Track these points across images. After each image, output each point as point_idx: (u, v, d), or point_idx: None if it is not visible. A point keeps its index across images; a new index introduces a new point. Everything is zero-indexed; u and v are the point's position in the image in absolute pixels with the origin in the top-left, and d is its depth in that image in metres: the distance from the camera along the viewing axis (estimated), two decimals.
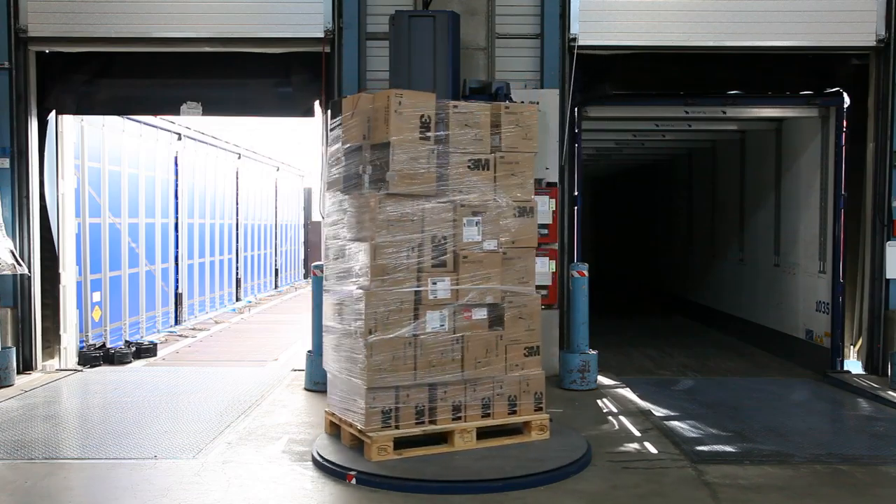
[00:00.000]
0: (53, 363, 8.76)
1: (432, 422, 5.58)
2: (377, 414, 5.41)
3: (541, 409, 5.88)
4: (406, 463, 5.27)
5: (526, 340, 5.84)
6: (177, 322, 14.00)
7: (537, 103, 7.27)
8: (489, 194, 5.75)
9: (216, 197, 16.64)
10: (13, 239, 8.30)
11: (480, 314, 5.70)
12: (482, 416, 5.69)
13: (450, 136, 5.66)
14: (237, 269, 18.32)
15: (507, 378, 5.77)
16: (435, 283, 5.56)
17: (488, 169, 5.75)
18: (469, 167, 5.71)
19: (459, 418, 5.63)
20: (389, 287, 5.47)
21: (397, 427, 5.44)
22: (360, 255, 5.57)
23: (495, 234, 5.75)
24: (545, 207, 7.92)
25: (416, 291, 5.53)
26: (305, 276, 25.22)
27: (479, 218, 5.71)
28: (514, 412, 5.80)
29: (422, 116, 5.57)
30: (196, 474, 5.19)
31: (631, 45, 8.36)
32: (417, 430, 5.50)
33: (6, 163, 8.33)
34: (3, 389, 7.63)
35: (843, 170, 8.63)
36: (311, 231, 25.96)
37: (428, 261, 5.57)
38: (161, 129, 13.31)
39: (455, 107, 5.77)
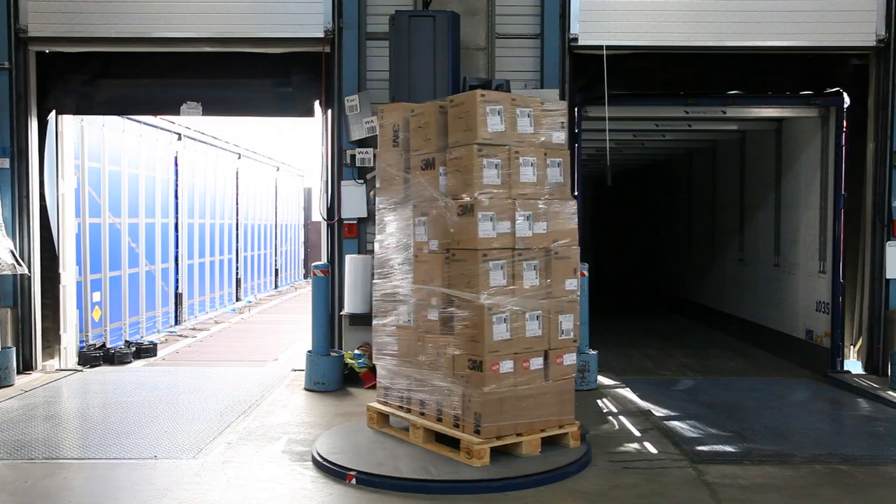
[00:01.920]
0: (53, 363, 8.77)
1: (408, 410, 5.86)
2: (382, 389, 6.18)
3: (479, 432, 5.26)
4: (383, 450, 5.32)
5: (469, 352, 5.33)
6: (177, 322, 13.99)
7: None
8: (435, 193, 5.62)
9: (216, 197, 16.63)
10: (13, 239, 8.30)
11: (433, 315, 5.63)
12: (436, 420, 5.62)
13: (410, 140, 5.88)
14: (237, 269, 18.31)
15: (455, 388, 5.44)
16: (401, 280, 5.95)
17: (434, 168, 5.62)
18: (421, 168, 5.75)
19: (423, 415, 5.72)
20: (384, 279, 6.15)
21: (387, 405, 6.09)
22: None
23: (437, 235, 5.58)
24: None
25: (394, 286, 6.03)
26: (305, 276, 25.21)
27: (425, 218, 5.70)
28: (457, 426, 5.44)
29: (393, 126, 6.03)
30: (196, 474, 5.19)
31: (631, 45, 8.36)
32: (398, 413, 5.95)
33: (6, 163, 8.33)
34: (3, 389, 7.63)
35: (843, 170, 8.64)
36: (311, 231, 25.94)
37: (402, 259, 5.96)
38: (161, 129, 13.31)
39: (412, 111, 5.89)
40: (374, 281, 6.28)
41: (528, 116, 5.57)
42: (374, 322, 6.21)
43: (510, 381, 5.35)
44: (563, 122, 5.75)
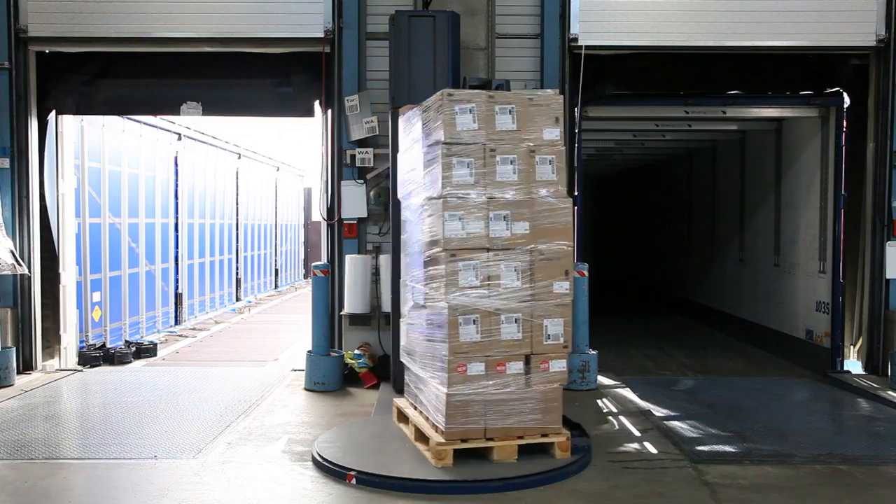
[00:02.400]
0: (53, 363, 8.76)
1: (415, 407, 5.93)
2: (406, 385, 6.27)
3: (441, 430, 5.27)
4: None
5: (441, 351, 5.30)
6: (177, 322, 13.99)
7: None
8: (424, 195, 5.68)
9: (216, 197, 16.63)
10: (13, 239, 8.30)
11: (422, 314, 5.66)
12: (425, 418, 5.67)
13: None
14: (237, 269, 18.30)
15: (433, 386, 5.48)
16: (408, 279, 6.08)
17: (432, 165, 5.56)
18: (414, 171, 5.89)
19: (422, 413, 5.77)
20: (402, 278, 6.35)
21: (407, 401, 6.20)
22: None
23: (423, 236, 5.64)
24: None
25: (406, 284, 6.20)
26: (305, 276, 25.19)
27: (415, 220, 5.82)
28: (434, 425, 5.47)
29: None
30: (196, 474, 5.19)
31: (631, 45, 8.36)
32: (406, 409, 6.03)
33: (6, 163, 8.33)
34: (3, 389, 7.63)
35: (843, 170, 8.63)
36: (311, 231, 25.93)
37: (409, 259, 6.13)
38: (161, 129, 13.30)
39: (411, 108, 6.01)
40: (401, 280, 6.49)
41: (510, 113, 5.40)
42: (401, 319, 6.45)
43: (480, 383, 5.24)
44: (557, 117, 5.48)
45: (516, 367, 5.31)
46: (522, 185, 5.39)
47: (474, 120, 5.35)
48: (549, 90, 7.61)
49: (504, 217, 5.32)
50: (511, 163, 5.38)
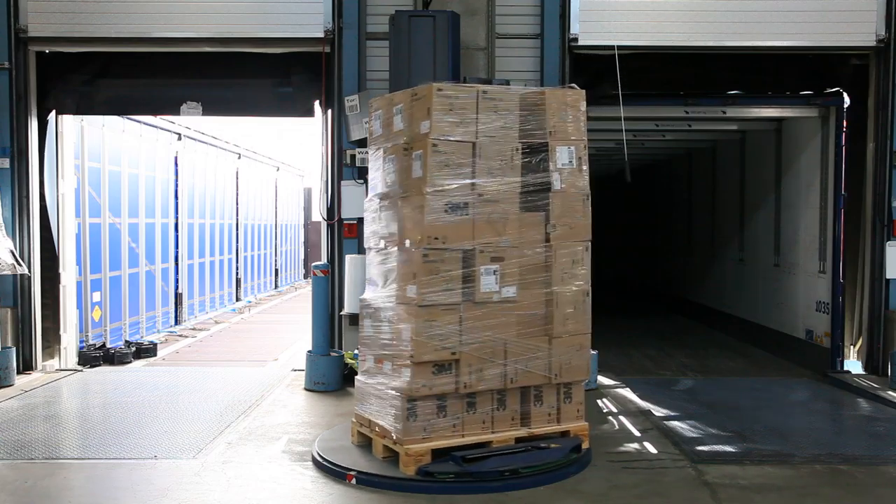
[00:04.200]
0: (53, 363, 8.76)
1: None
2: None
3: None
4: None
5: None
6: (177, 322, 13.99)
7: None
8: None
9: (216, 197, 16.63)
10: (13, 239, 8.30)
11: None
12: None
13: None
14: (237, 269, 18.31)
15: None
16: None
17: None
18: None
19: None
20: None
21: None
22: None
23: None
24: None
25: None
26: (305, 276, 25.20)
27: None
28: None
29: None
30: (196, 474, 5.19)
31: (631, 45, 8.36)
32: None
33: (6, 163, 8.33)
34: (3, 389, 7.63)
35: (843, 170, 8.64)
36: (311, 231, 25.94)
37: None
38: (161, 129, 13.30)
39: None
40: None
41: (400, 113, 5.33)
42: None
43: (371, 376, 5.48)
44: (428, 108, 5.02)
45: (388, 367, 5.28)
46: (398, 185, 5.32)
47: (380, 125, 5.61)
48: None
49: (384, 217, 5.49)
50: (391, 161, 5.39)
